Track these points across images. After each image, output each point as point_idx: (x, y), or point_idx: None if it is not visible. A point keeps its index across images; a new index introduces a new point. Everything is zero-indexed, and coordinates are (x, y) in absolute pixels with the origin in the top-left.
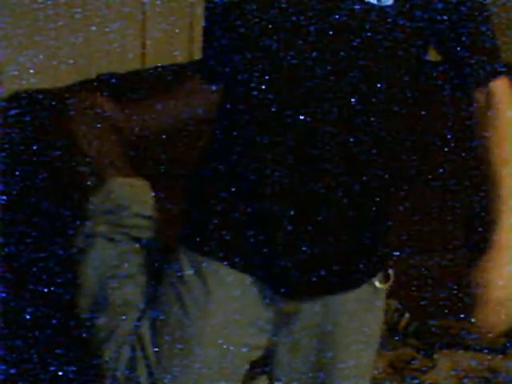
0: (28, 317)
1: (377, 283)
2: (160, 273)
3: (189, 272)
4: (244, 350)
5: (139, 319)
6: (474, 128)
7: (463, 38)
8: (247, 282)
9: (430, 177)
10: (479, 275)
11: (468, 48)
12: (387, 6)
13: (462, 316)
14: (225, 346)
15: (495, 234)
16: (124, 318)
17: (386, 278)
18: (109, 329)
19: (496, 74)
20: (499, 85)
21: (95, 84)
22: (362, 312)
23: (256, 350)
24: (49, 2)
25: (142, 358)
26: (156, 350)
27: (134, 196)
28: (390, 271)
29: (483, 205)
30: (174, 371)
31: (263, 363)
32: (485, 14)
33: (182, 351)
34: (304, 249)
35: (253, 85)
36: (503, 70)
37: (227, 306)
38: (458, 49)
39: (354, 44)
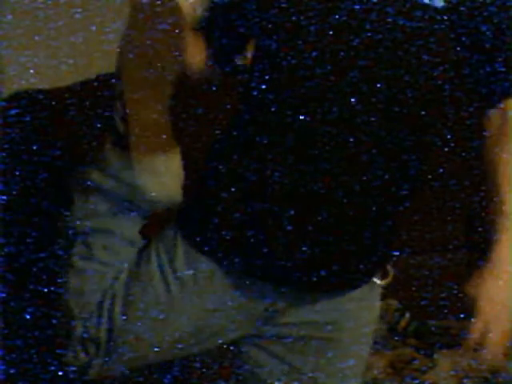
0: (28, 317)
1: (375, 279)
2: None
3: (182, 263)
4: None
5: (116, 278)
6: (485, 146)
7: (488, 54)
8: (244, 283)
9: (430, 177)
10: (475, 287)
11: (492, 64)
12: (438, 8)
13: (461, 316)
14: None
15: (495, 249)
16: (103, 270)
17: (385, 275)
18: (82, 279)
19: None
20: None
21: (95, 84)
22: (360, 310)
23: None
24: (49, 2)
25: (107, 316)
26: (123, 318)
27: (159, 185)
28: (389, 267)
29: (483, 205)
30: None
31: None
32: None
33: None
34: (304, 249)
35: (253, 84)
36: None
37: (214, 295)
38: (482, 64)
39: (390, 42)
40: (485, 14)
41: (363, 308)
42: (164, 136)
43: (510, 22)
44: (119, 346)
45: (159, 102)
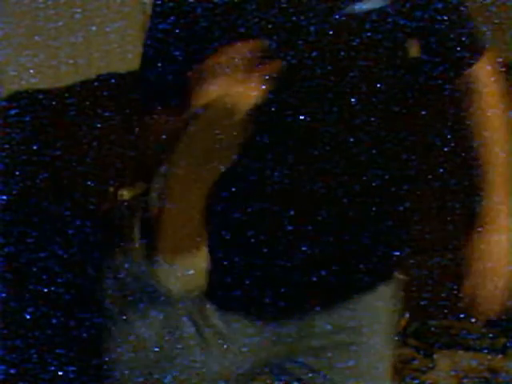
0: (28, 317)
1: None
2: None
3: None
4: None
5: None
6: (460, 112)
7: (441, 30)
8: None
9: (430, 177)
10: (469, 245)
11: (446, 39)
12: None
13: (461, 316)
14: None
15: (486, 205)
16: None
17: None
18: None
19: (474, 59)
20: (480, 67)
21: (95, 84)
22: (379, 311)
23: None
24: (49, 2)
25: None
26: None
27: (182, 284)
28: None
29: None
30: None
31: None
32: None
33: None
34: (304, 249)
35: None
36: (481, 51)
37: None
38: (437, 42)
39: (354, 44)
40: None
41: (383, 309)
42: (195, 234)
43: None
44: None
45: (199, 192)
